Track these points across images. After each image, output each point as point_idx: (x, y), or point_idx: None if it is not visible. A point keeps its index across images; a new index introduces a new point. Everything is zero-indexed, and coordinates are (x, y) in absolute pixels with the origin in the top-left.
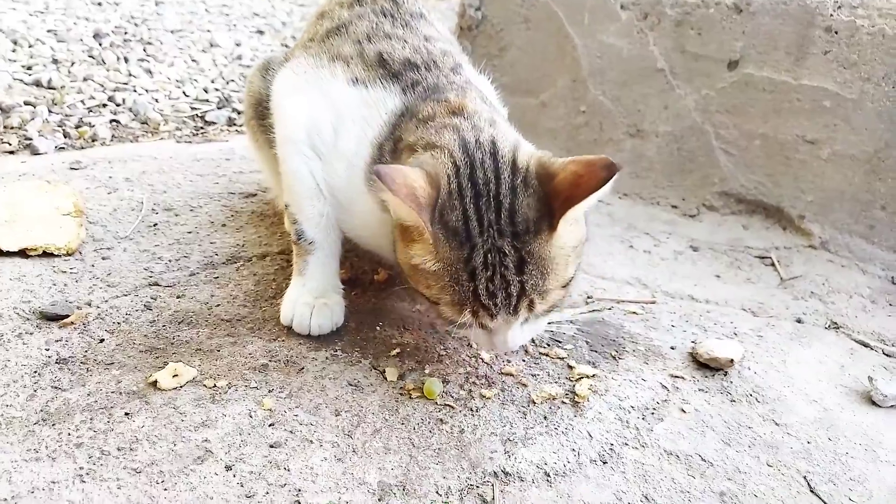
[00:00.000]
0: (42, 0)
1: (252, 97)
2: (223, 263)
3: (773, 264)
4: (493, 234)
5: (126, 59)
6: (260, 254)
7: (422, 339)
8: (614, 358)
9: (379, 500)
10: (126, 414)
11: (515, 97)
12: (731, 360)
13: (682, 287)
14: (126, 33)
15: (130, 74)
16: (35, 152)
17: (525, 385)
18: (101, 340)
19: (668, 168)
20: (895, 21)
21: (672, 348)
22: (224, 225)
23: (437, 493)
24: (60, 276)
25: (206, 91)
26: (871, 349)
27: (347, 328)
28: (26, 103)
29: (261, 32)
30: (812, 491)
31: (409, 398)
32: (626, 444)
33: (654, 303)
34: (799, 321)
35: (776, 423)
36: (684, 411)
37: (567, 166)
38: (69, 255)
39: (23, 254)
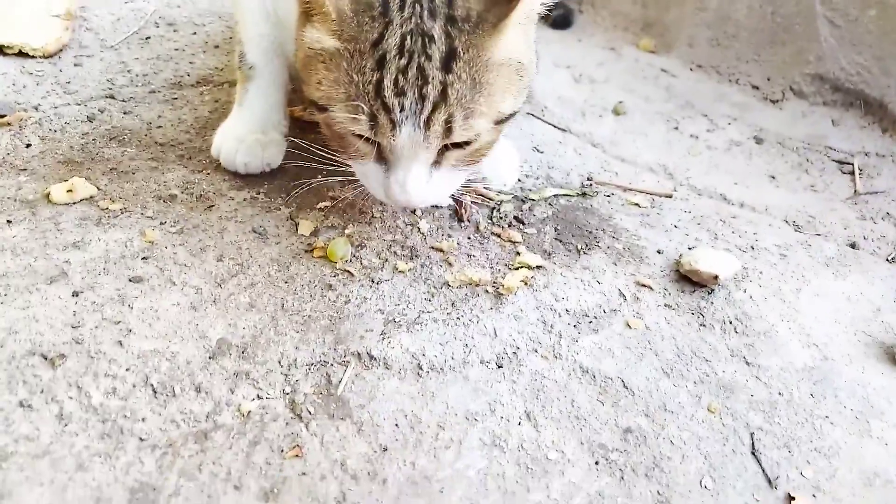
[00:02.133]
0: None
1: None
2: (191, 85)
3: (852, 172)
4: (421, 13)
5: None
6: (232, 80)
7: (362, 197)
8: (578, 251)
9: (210, 357)
10: (8, 221)
11: None
12: (715, 277)
13: (718, 184)
14: None
15: None
16: None
17: (451, 265)
18: (28, 145)
19: (757, 36)
20: None
21: (658, 252)
22: (217, 46)
23: (278, 362)
24: (24, 76)
25: None
26: None
27: (284, 171)
28: None
29: None
30: (753, 453)
31: (310, 257)
32: (535, 352)
33: (668, 196)
34: (853, 246)
35: (746, 363)
36: (630, 326)
37: None
38: (45, 57)
39: (0, 51)
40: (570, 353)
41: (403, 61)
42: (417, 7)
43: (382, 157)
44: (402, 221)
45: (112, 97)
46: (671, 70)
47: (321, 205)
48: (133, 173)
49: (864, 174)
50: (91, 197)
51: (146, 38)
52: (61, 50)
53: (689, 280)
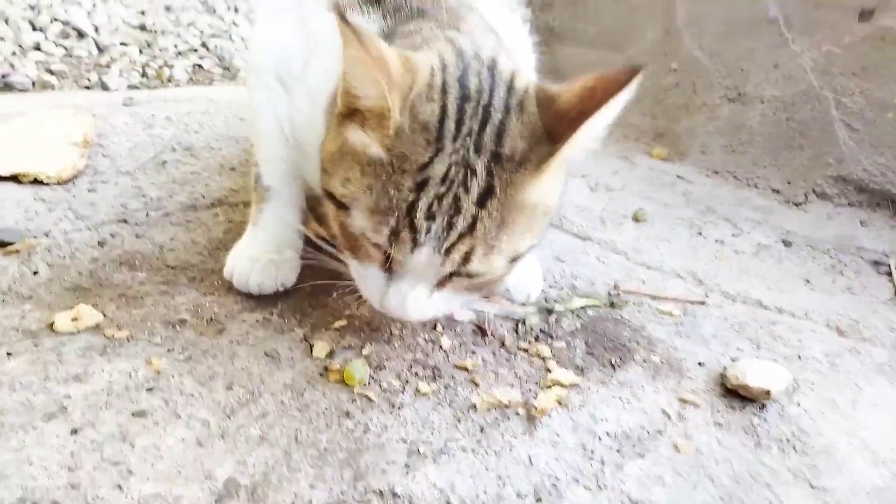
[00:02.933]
0: None
1: None
2: (206, 207)
3: (889, 273)
4: (470, 146)
5: (236, 10)
6: (247, 200)
7: (380, 315)
8: (613, 366)
9: (216, 501)
10: (8, 353)
11: (598, 51)
12: (768, 392)
13: (751, 289)
14: None
15: (234, 23)
16: (104, 88)
17: (477, 385)
18: (36, 272)
19: (773, 142)
20: None
21: (699, 364)
22: (233, 168)
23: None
24: (37, 203)
25: None
26: None
27: (298, 291)
28: (122, 44)
29: None
30: None
31: (326, 381)
32: (577, 481)
33: (702, 304)
34: None
35: (811, 486)
36: (679, 449)
37: (573, 84)
38: (59, 183)
39: (16, 179)
40: (616, 482)
41: (443, 189)
42: (468, 139)
43: (389, 267)
44: (422, 339)
45: (125, 221)
46: (687, 177)
47: (337, 324)
48: (142, 298)
49: None
50: (97, 325)
51: (163, 163)
52: (76, 176)
53: (737, 395)
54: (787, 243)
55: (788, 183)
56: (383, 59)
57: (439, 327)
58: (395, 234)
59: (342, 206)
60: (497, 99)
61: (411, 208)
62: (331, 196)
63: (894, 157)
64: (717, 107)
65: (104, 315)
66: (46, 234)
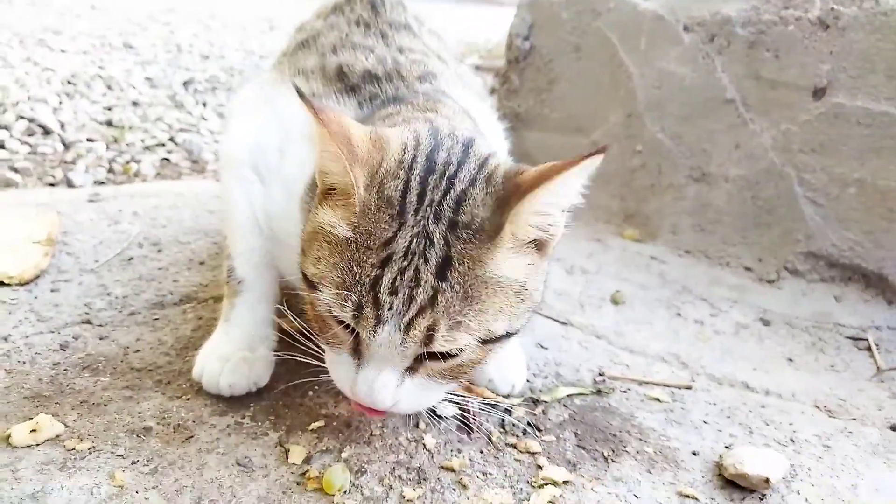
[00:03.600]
0: (153, 53)
1: None
2: (174, 304)
3: (868, 349)
4: (429, 216)
5: (204, 104)
6: (219, 295)
7: (357, 413)
8: (606, 460)
9: None
10: None
11: (565, 135)
12: (767, 480)
13: (736, 371)
14: (218, 81)
15: (202, 117)
16: (70, 185)
17: (466, 487)
18: None
19: (741, 221)
20: None
21: (694, 454)
22: (202, 263)
23: None
24: None
25: None
26: None
27: (271, 390)
28: (88, 139)
29: None
30: None
31: (304, 489)
32: None
33: (688, 388)
34: (894, 428)
35: None
36: None
37: (545, 164)
38: (21, 284)
39: None
40: None
41: (405, 262)
42: (429, 209)
43: (357, 351)
44: (404, 438)
45: (88, 322)
46: (660, 257)
47: (314, 425)
48: (105, 405)
49: (882, 349)
50: (57, 436)
51: (129, 259)
52: (38, 276)
53: (736, 485)
54: (765, 322)
55: (760, 260)
56: (345, 134)
57: (422, 425)
58: (358, 310)
59: (313, 286)
60: (464, 171)
61: (375, 284)
62: (305, 277)
63: (861, 231)
64: (683, 187)
65: (65, 425)
66: (6, 339)
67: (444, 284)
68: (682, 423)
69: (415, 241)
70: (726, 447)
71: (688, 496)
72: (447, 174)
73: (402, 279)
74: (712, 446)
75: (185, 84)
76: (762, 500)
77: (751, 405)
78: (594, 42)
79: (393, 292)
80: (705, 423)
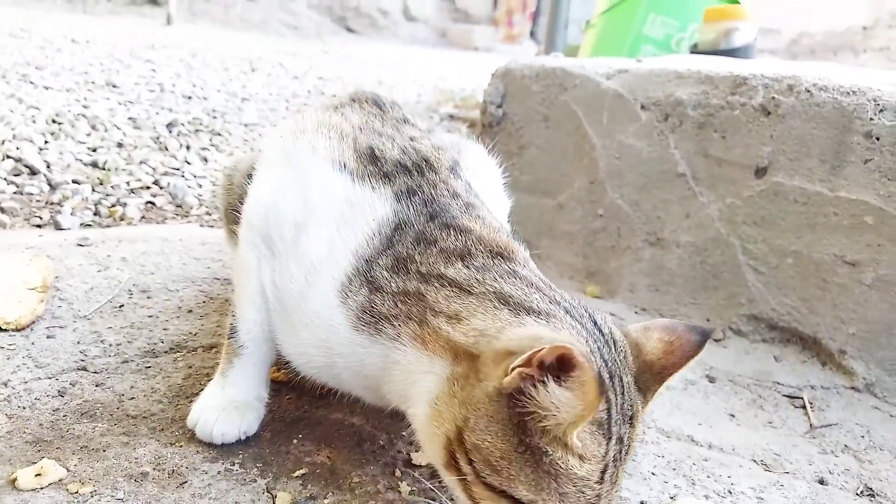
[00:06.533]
0: (136, 92)
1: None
2: (165, 352)
3: (804, 406)
4: (621, 421)
5: (188, 147)
6: (208, 344)
7: (340, 460)
8: None
9: None
10: None
11: (533, 197)
12: None
13: (683, 425)
14: (201, 124)
15: (186, 161)
16: (58, 227)
17: None
18: None
19: (691, 283)
20: None
21: None
22: (191, 311)
23: None
24: None
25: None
26: None
27: (259, 438)
28: (74, 181)
29: None
30: None
31: None
32: None
33: (641, 441)
34: (821, 482)
35: None
36: None
37: (649, 334)
38: (17, 330)
39: None
40: None
41: (613, 470)
42: (620, 416)
43: None
44: (382, 485)
45: (84, 369)
46: (619, 314)
47: (298, 472)
48: (104, 450)
49: (815, 407)
50: (60, 480)
51: (119, 307)
52: (34, 322)
53: None
54: (711, 378)
55: (707, 320)
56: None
57: (397, 472)
58: None
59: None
60: (617, 357)
61: (598, 496)
62: (504, 494)
63: (798, 298)
64: (639, 249)
65: (67, 469)
66: (5, 384)
67: (622, 468)
68: (634, 476)
69: (616, 447)
70: (671, 497)
71: None
72: (615, 371)
73: (612, 483)
74: (658, 496)
75: (169, 126)
76: None
77: (695, 458)
78: (561, 114)
79: (607, 496)
80: (653, 474)
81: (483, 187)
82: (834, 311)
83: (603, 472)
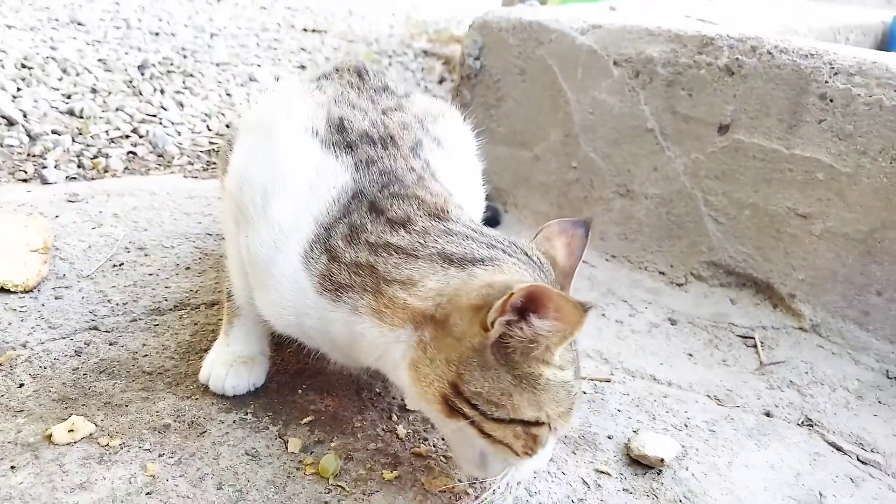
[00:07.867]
0: (102, 30)
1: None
2: (170, 310)
3: (755, 346)
4: None
5: (162, 91)
6: (209, 301)
7: (341, 408)
8: None
9: None
10: (12, 467)
11: (510, 148)
12: (662, 460)
13: (647, 365)
14: (171, 64)
15: (162, 106)
16: (44, 181)
17: (432, 469)
18: (21, 385)
19: (657, 232)
20: (894, 92)
21: (609, 437)
22: (188, 268)
23: None
24: (8, 313)
25: (228, 126)
26: (844, 453)
27: (267, 389)
28: (53, 132)
29: (303, 67)
30: None
31: (303, 474)
32: None
33: (608, 381)
34: (767, 414)
35: None
36: None
37: (553, 243)
38: (26, 292)
39: None
40: None
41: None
42: None
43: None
44: (381, 429)
45: (96, 328)
46: (590, 261)
47: (305, 420)
48: (126, 406)
49: (766, 346)
50: (90, 434)
51: (119, 265)
52: (40, 283)
53: (640, 463)
54: (672, 321)
55: (671, 266)
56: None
57: (394, 417)
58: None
59: (529, 423)
60: (551, 280)
61: (576, 391)
62: (515, 421)
63: (753, 246)
64: (610, 200)
65: (95, 425)
66: (24, 346)
67: None
68: (601, 413)
69: (575, 348)
70: (634, 432)
71: (603, 472)
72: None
73: (580, 379)
74: (623, 431)
75: (140, 68)
76: (659, 475)
77: (656, 395)
78: (537, 68)
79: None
80: (619, 411)
81: (454, 155)
82: (786, 258)
83: (576, 371)
